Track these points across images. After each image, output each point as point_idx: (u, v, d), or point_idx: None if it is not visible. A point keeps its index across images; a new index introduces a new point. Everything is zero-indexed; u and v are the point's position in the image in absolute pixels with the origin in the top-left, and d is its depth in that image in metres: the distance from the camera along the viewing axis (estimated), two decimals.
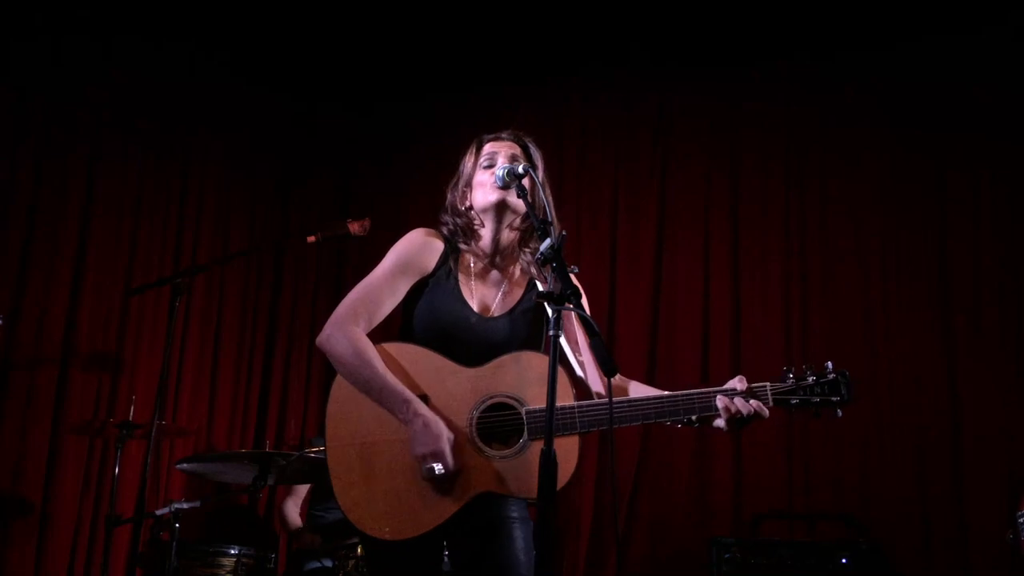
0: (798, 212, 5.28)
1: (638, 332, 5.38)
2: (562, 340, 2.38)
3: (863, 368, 4.95)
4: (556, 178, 5.69)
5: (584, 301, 2.30)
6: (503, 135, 2.55)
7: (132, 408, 4.35)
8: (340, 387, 2.34)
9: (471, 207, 2.49)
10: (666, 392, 2.27)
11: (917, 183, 5.06)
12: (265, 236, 5.94)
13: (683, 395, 2.24)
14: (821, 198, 5.26)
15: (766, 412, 2.21)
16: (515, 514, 2.33)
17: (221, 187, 5.76)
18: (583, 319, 1.97)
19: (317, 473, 4.28)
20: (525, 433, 2.22)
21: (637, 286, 5.47)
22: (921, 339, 4.89)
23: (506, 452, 2.23)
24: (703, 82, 5.66)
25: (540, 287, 2.44)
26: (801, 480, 4.94)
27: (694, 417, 2.23)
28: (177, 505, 3.84)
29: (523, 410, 2.24)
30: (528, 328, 2.42)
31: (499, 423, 2.26)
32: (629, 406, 2.25)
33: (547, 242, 2.04)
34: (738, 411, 2.18)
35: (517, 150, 2.52)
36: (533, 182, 2.33)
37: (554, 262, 2.01)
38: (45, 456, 4.67)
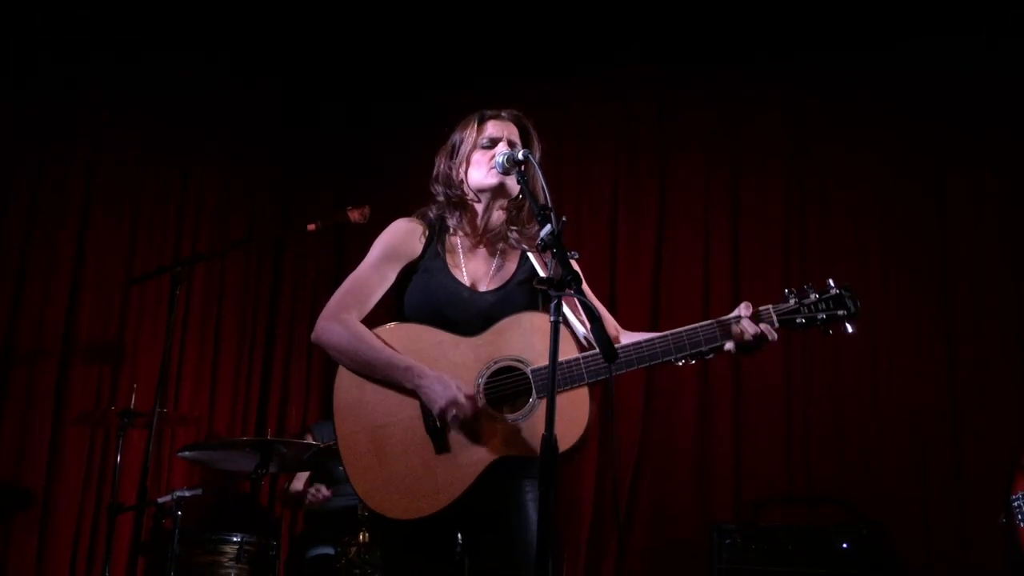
0: (798, 209, 5.27)
1: (637, 327, 5.37)
2: (565, 309, 2.36)
3: (864, 356, 4.96)
4: (556, 174, 5.72)
5: (585, 286, 2.31)
6: (503, 114, 2.55)
7: (133, 397, 4.36)
8: (342, 377, 2.37)
9: (463, 182, 2.49)
10: (670, 331, 2.25)
11: (917, 181, 5.05)
12: (265, 226, 5.94)
13: (688, 330, 2.23)
14: (821, 196, 5.25)
15: (773, 334, 2.21)
16: (530, 495, 2.31)
17: (221, 178, 5.75)
18: (584, 305, 1.96)
19: (318, 461, 4.30)
20: (533, 392, 2.22)
21: (637, 283, 5.46)
22: (922, 330, 4.89)
23: (516, 414, 2.22)
24: (703, 79, 5.65)
25: (533, 260, 2.44)
26: (802, 466, 4.96)
27: (704, 349, 2.22)
28: (179, 493, 3.85)
29: (528, 370, 2.24)
30: (525, 298, 2.39)
31: (507, 386, 2.26)
32: (635, 348, 2.24)
33: (547, 228, 2.03)
34: (745, 333, 2.18)
35: (516, 133, 2.52)
36: (533, 168, 2.33)
37: (554, 248, 2.00)
38: (47, 445, 4.68)
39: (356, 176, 6.42)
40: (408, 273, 2.47)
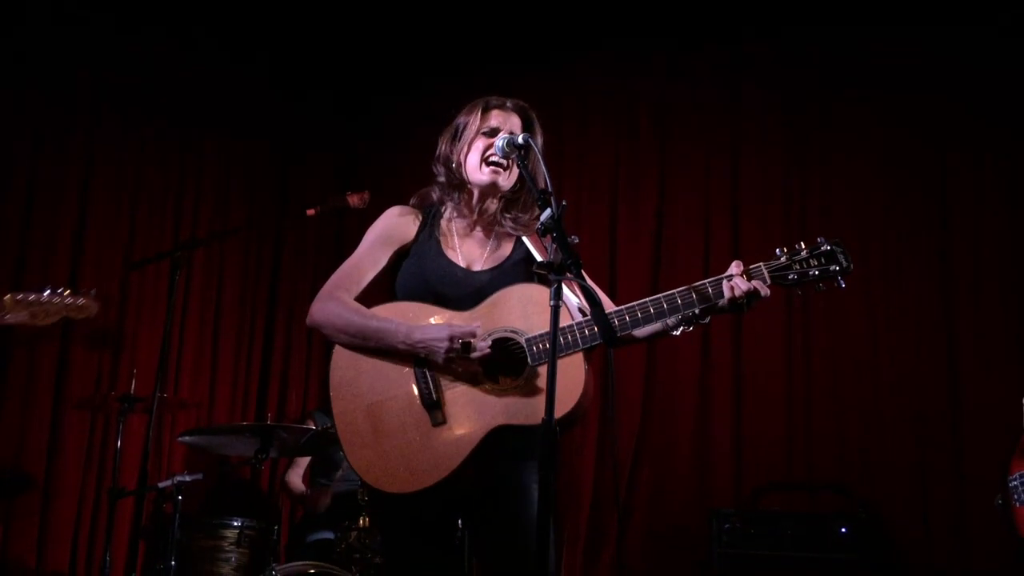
0: (799, 193, 5.25)
1: None
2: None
3: (865, 343, 4.96)
4: (556, 158, 5.70)
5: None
6: (508, 104, 2.56)
7: (133, 382, 4.37)
8: (339, 355, 2.39)
9: (462, 165, 2.50)
10: (661, 294, 2.26)
11: (919, 166, 5.02)
12: (264, 211, 5.93)
13: (680, 291, 2.23)
14: (823, 184, 5.23)
15: (766, 289, 2.20)
16: (532, 478, 2.31)
17: (220, 163, 5.74)
18: (584, 288, 1.97)
19: (319, 446, 4.31)
20: (529, 361, 2.23)
21: (637, 265, 5.45)
22: (922, 316, 4.88)
23: (513, 384, 2.24)
24: (703, 62, 5.61)
25: (529, 245, 2.46)
26: (801, 452, 4.96)
27: (697, 311, 2.22)
28: (179, 478, 3.86)
29: (523, 339, 2.25)
30: (521, 279, 2.40)
31: (503, 356, 2.27)
32: (628, 311, 2.25)
33: (547, 212, 2.04)
34: (737, 289, 2.18)
35: (519, 124, 2.53)
36: (533, 153, 2.33)
37: (554, 232, 2.01)
38: (47, 431, 4.69)
39: (355, 160, 6.41)
40: (402, 258, 2.50)
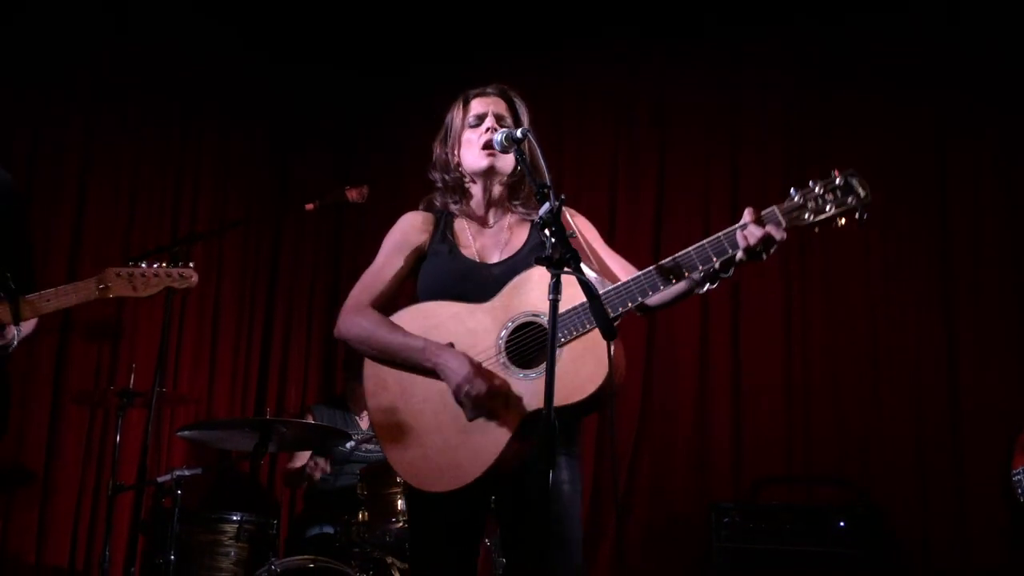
0: (798, 183, 5.23)
1: None
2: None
3: (863, 335, 4.96)
4: (556, 148, 5.70)
5: (601, 245, 2.44)
6: (489, 89, 2.57)
7: (132, 376, 4.36)
8: (368, 366, 2.43)
9: (459, 164, 2.51)
10: (679, 252, 2.19)
11: (918, 162, 5.02)
12: (263, 204, 5.92)
13: (695, 247, 2.17)
14: (821, 171, 5.21)
15: (781, 233, 2.10)
16: (564, 475, 2.31)
17: (218, 156, 5.72)
18: (583, 282, 1.96)
19: (316, 439, 4.31)
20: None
21: (636, 258, 5.37)
22: (921, 307, 4.88)
23: (540, 367, 2.21)
24: (702, 55, 5.61)
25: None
26: (800, 446, 4.97)
27: (717, 265, 2.15)
28: (179, 472, 3.85)
29: (544, 320, 2.22)
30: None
31: (527, 342, 2.27)
32: (646, 275, 2.19)
33: (545, 206, 2.03)
34: (751, 237, 2.11)
35: (503, 106, 2.54)
36: (532, 146, 2.32)
37: (552, 226, 2.00)
38: (46, 425, 4.69)
39: (353, 153, 6.40)
40: (420, 262, 2.51)
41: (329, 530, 4.46)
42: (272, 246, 6.02)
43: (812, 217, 2.09)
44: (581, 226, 2.55)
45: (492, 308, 2.31)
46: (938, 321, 4.83)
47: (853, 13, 5.23)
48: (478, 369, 2.23)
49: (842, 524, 4.34)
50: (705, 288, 2.24)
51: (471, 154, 2.49)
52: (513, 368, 2.25)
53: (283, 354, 5.97)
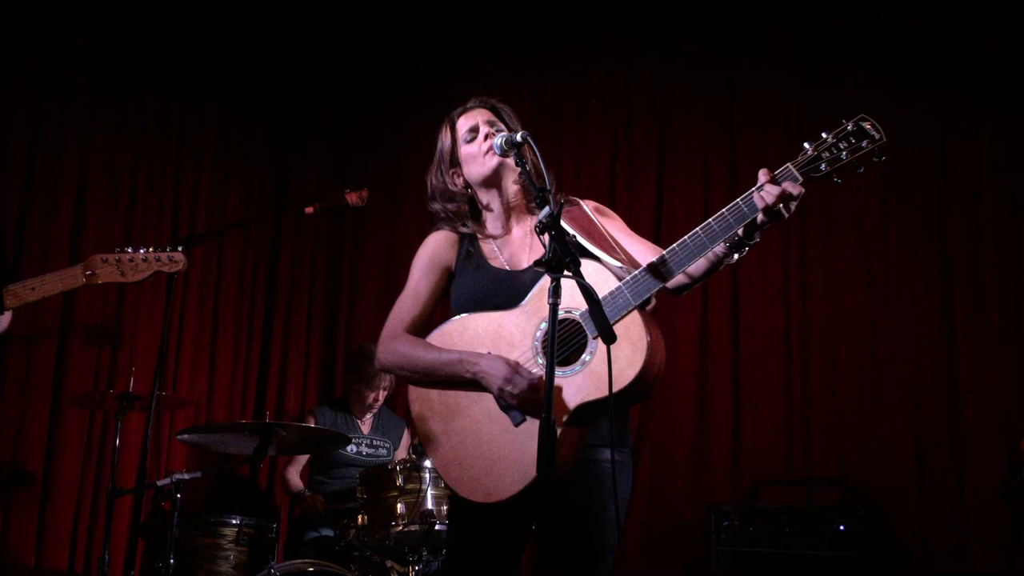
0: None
1: None
2: (588, 244, 2.35)
3: (862, 333, 4.96)
4: (554, 148, 5.70)
5: (623, 233, 2.40)
6: (471, 104, 2.57)
7: (132, 380, 4.36)
8: (412, 389, 2.45)
9: (467, 184, 2.52)
10: (698, 226, 2.17)
11: (918, 152, 5.02)
12: (262, 207, 5.93)
13: (714, 217, 2.15)
14: None
15: (798, 188, 2.08)
16: (606, 480, 2.28)
17: (218, 156, 5.73)
18: (583, 287, 1.96)
19: (316, 443, 4.31)
20: (588, 336, 2.22)
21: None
22: (921, 308, 4.88)
23: (579, 362, 2.22)
24: (701, 49, 5.61)
25: (566, 226, 2.41)
26: (800, 448, 4.96)
27: (740, 231, 2.14)
28: (178, 476, 3.85)
29: (578, 315, 2.23)
30: None
31: (563, 338, 2.26)
32: (671, 253, 2.17)
33: (545, 210, 2.03)
34: (768, 196, 2.09)
35: (490, 115, 2.54)
36: (531, 149, 2.33)
37: (552, 230, 2.00)
38: (46, 428, 4.68)
39: (352, 151, 6.41)
40: (451, 281, 2.52)
41: (328, 534, 4.46)
42: (271, 248, 6.02)
43: (828, 167, 2.09)
44: (603, 218, 2.52)
45: (524, 311, 2.32)
46: (938, 322, 4.83)
47: (852, 12, 5.23)
48: (516, 367, 2.23)
49: (842, 527, 4.33)
50: (734, 258, 2.22)
51: (476, 164, 2.48)
52: (556, 368, 2.22)
53: (282, 357, 5.97)
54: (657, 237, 5.44)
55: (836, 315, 5.04)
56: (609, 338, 1.93)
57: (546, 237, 2.41)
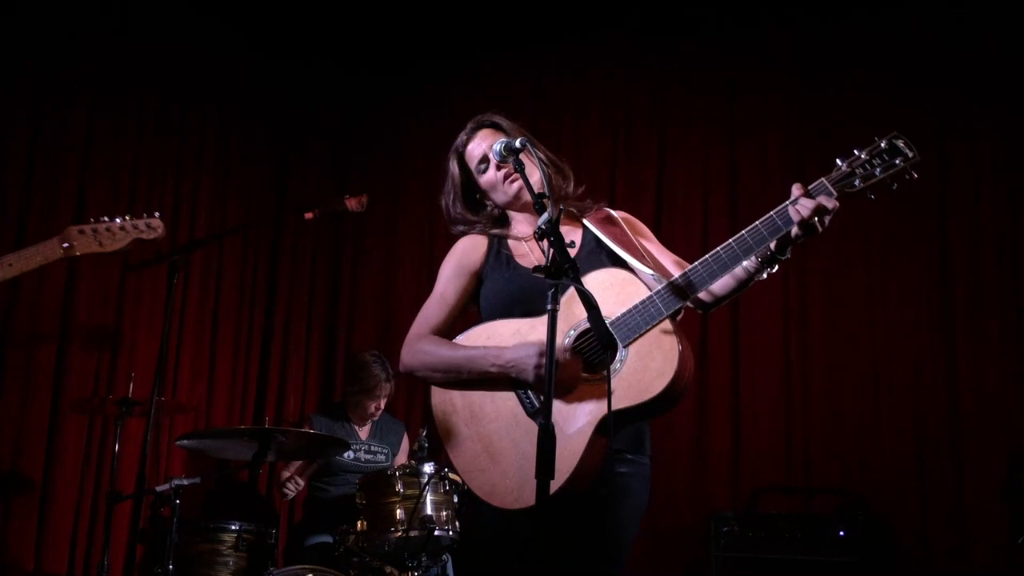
0: (798, 180, 5.24)
1: None
2: (620, 251, 2.36)
3: (863, 345, 4.96)
4: (554, 148, 5.68)
5: (648, 241, 2.43)
6: (469, 129, 2.56)
7: (131, 385, 4.35)
8: (435, 394, 2.41)
9: (495, 206, 2.53)
10: (731, 238, 2.17)
11: (918, 147, 4.98)
12: (262, 212, 5.93)
13: (748, 230, 2.15)
14: (821, 171, 5.21)
15: (833, 202, 2.12)
16: (633, 487, 2.32)
17: (218, 156, 5.73)
18: (582, 293, 1.96)
19: (315, 449, 4.30)
20: (619, 343, 2.19)
21: None
22: (921, 312, 4.89)
23: (609, 369, 2.19)
24: (700, 49, 5.62)
25: (594, 229, 2.45)
26: (800, 454, 4.96)
27: (773, 245, 2.15)
28: (177, 481, 3.84)
29: (607, 324, 2.20)
30: (596, 267, 2.34)
31: (592, 346, 2.24)
32: (703, 264, 2.17)
33: (544, 216, 2.03)
34: (803, 210, 2.11)
35: (493, 135, 2.53)
36: (530, 156, 2.33)
37: (551, 236, 2.00)
38: (45, 433, 4.67)
39: (352, 151, 6.41)
40: (479, 286, 2.51)
41: (327, 539, 4.45)
42: (271, 254, 6.02)
43: (862, 183, 2.12)
44: (630, 226, 2.53)
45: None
46: (938, 322, 4.83)
47: (852, 12, 5.24)
48: (543, 349, 2.17)
49: (841, 533, 4.33)
50: (764, 274, 2.23)
51: (499, 193, 2.50)
52: (583, 373, 2.23)
53: (282, 363, 5.96)
54: (657, 237, 5.44)
55: (836, 316, 5.03)
56: (609, 344, 1.93)
57: (577, 236, 2.45)
